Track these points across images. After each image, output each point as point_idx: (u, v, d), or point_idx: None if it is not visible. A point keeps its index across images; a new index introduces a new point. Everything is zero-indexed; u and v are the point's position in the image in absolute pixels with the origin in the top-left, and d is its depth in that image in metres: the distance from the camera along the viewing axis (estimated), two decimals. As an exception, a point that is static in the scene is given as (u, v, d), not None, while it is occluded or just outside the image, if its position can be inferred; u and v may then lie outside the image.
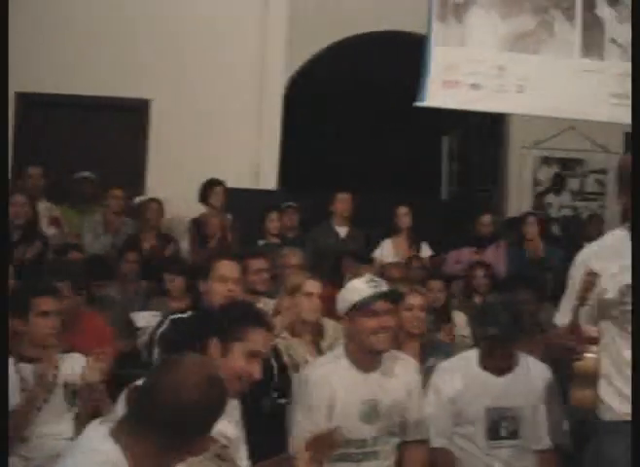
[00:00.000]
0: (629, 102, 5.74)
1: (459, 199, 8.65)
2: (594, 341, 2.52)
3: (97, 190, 6.23)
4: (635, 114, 2.93)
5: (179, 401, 1.64)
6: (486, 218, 6.21)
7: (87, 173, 6.24)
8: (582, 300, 2.48)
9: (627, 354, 2.53)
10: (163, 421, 1.65)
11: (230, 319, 2.39)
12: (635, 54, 2.29)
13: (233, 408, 2.34)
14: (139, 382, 1.79)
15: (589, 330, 2.51)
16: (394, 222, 6.25)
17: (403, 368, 2.98)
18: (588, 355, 2.48)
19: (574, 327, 2.51)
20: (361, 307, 2.82)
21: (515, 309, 3.27)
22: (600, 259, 2.60)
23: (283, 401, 3.05)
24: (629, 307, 2.53)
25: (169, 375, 1.70)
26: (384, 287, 2.90)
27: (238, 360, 2.28)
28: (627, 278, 2.53)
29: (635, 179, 2.34)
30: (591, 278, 2.46)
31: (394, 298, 2.93)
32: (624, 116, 5.79)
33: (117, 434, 1.69)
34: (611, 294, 2.55)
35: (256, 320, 2.40)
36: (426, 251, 6.23)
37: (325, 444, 2.28)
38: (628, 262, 2.53)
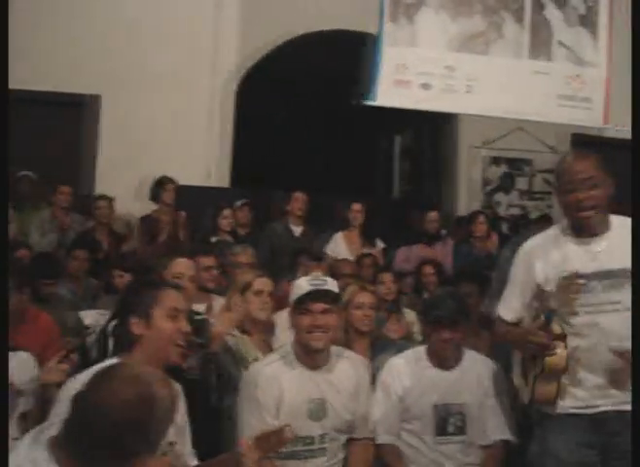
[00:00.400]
0: (575, 104, 5.90)
1: (410, 198, 8.72)
2: (563, 337, 2.59)
3: (40, 188, 6.11)
4: (635, 114, 3.00)
5: (108, 422, 1.56)
6: (433, 215, 6.27)
7: (26, 172, 6.12)
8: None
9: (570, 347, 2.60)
10: (93, 442, 1.58)
11: (134, 293, 2.40)
12: (635, 54, 2.35)
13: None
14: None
15: (556, 327, 2.59)
16: (347, 217, 6.28)
17: (351, 366, 3.00)
18: (558, 351, 2.56)
19: (541, 324, 2.59)
20: (298, 305, 2.85)
21: (460, 298, 3.30)
22: (540, 252, 2.68)
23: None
24: (571, 298, 2.61)
25: (98, 393, 1.62)
26: (327, 286, 2.90)
27: (163, 324, 2.28)
28: (567, 268, 2.62)
29: (635, 179, 2.39)
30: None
31: (332, 297, 2.90)
32: (571, 117, 5.95)
33: (53, 447, 1.64)
34: (551, 285, 2.64)
35: (158, 283, 2.50)
36: (379, 246, 6.28)
37: (273, 441, 2.28)
38: (566, 252, 2.64)
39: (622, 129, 5.96)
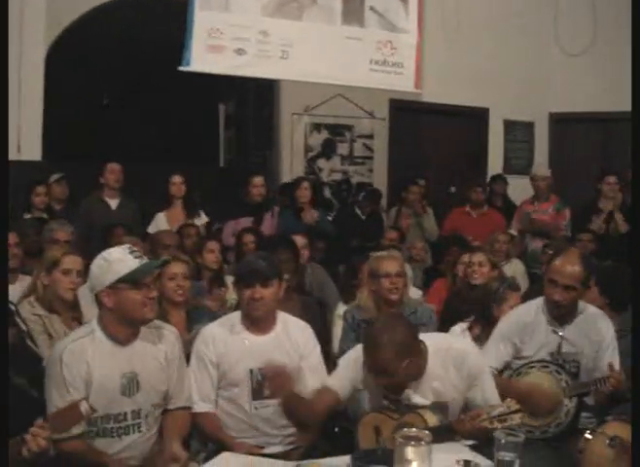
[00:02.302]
0: (388, 69, 6.05)
1: (236, 166, 8.69)
2: None
3: None
4: (635, 113, 3.06)
5: None
6: (258, 179, 6.19)
7: None
8: None
9: None
10: None
11: None
12: (635, 54, 2.38)
13: None
14: None
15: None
16: (168, 191, 6.15)
17: (163, 337, 2.93)
18: None
19: None
20: (128, 280, 2.73)
21: (271, 259, 3.27)
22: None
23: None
24: None
25: None
26: (145, 258, 2.83)
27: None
28: None
29: (635, 179, 2.43)
30: None
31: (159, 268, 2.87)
32: (384, 82, 6.10)
33: None
34: None
35: None
36: (203, 219, 6.20)
37: (68, 418, 2.18)
38: None
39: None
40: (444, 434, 2.58)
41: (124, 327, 2.80)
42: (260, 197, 6.15)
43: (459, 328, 3.87)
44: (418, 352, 2.77)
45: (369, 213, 6.88)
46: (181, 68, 5.28)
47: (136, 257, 2.78)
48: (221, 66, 5.45)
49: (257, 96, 8.38)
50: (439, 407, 2.79)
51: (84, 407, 2.14)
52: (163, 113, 8.64)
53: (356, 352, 2.94)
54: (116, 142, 7.75)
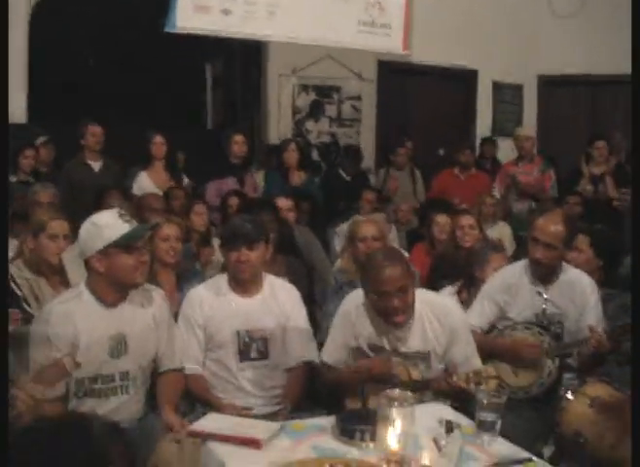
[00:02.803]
0: (375, 30, 5.99)
1: (224, 128, 8.62)
2: None
3: None
4: (635, 112, 3.05)
5: None
6: (239, 137, 6.12)
7: None
8: None
9: None
10: None
11: None
12: (635, 54, 2.35)
13: None
14: None
15: None
16: (149, 151, 6.09)
17: (151, 299, 2.95)
18: None
19: None
20: (120, 245, 2.72)
21: (257, 221, 3.30)
22: None
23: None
24: None
25: None
26: (134, 222, 2.83)
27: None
28: None
29: (635, 177, 2.42)
30: None
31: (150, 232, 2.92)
32: (371, 43, 6.04)
33: None
34: None
35: None
36: (185, 181, 6.16)
37: (52, 374, 2.20)
38: None
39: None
40: (421, 388, 2.65)
41: (113, 290, 2.81)
42: (241, 155, 6.08)
43: (447, 292, 3.91)
44: (411, 284, 2.86)
45: (353, 174, 6.87)
46: (166, 30, 5.21)
47: (126, 221, 2.77)
48: (207, 27, 5.37)
49: (244, 57, 8.30)
50: (421, 357, 2.87)
51: (68, 362, 2.15)
52: (150, 74, 8.56)
53: (339, 316, 3.04)
54: (102, 104, 7.68)
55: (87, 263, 2.78)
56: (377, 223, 4.24)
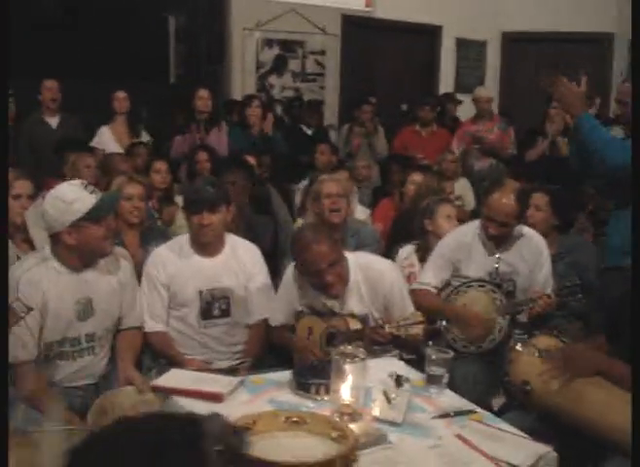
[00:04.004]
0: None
1: (186, 82, 8.54)
2: None
3: None
4: (635, 111, 3.09)
5: None
6: (203, 92, 6.09)
7: None
8: None
9: None
10: None
11: None
12: (635, 54, 2.39)
13: None
14: None
15: None
16: (111, 107, 6.06)
17: (116, 262, 3.00)
18: None
19: None
20: (91, 217, 2.76)
21: (219, 184, 3.37)
22: None
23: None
24: None
25: None
26: (98, 192, 2.85)
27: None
28: None
29: (635, 179, 2.47)
30: None
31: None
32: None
33: None
34: None
35: None
36: (144, 138, 6.15)
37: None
38: None
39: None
40: (359, 338, 2.80)
41: (80, 258, 2.86)
42: (206, 110, 6.06)
43: (406, 251, 4.01)
44: (341, 257, 2.97)
45: (315, 129, 6.90)
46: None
47: (91, 192, 2.79)
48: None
49: (208, 10, 8.18)
50: (359, 317, 3.00)
51: (18, 306, 2.20)
52: (111, 27, 8.40)
53: (283, 281, 3.20)
54: (64, 59, 7.53)
55: (54, 235, 2.79)
56: (341, 181, 4.30)
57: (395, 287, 3.11)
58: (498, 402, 3.12)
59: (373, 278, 3.06)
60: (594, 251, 4.00)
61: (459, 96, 7.83)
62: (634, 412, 2.00)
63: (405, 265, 3.85)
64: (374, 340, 2.91)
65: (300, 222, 4.36)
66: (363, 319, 3.01)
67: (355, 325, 2.93)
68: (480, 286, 3.44)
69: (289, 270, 3.18)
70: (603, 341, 2.67)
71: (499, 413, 2.77)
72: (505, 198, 3.36)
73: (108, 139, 5.84)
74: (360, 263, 3.07)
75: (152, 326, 3.17)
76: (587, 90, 3.53)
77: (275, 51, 7.59)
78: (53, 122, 5.96)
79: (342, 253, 3.00)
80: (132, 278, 3.11)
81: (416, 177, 4.94)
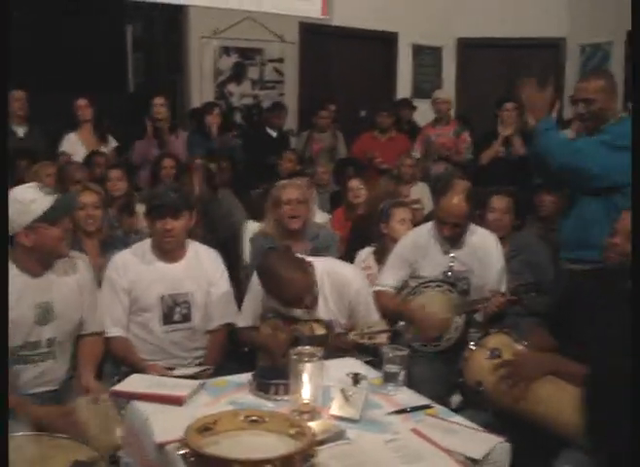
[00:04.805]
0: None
1: (145, 91, 8.54)
2: None
3: None
4: (635, 110, 3.17)
5: None
6: (158, 99, 6.15)
7: None
8: None
9: None
10: None
11: None
12: (635, 54, 2.44)
13: None
14: None
15: None
16: (75, 115, 6.08)
17: (75, 266, 3.02)
18: None
19: None
20: (48, 218, 2.78)
21: (181, 190, 3.43)
22: None
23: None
24: None
25: None
26: (54, 194, 2.87)
27: None
28: None
29: (635, 176, 2.52)
30: None
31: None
32: (293, 8, 6.12)
33: None
34: None
35: None
36: (112, 144, 6.18)
37: None
38: None
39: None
40: (323, 343, 2.85)
41: (38, 261, 2.87)
42: (162, 117, 6.11)
43: (365, 253, 4.09)
44: (314, 279, 3.04)
45: (279, 131, 6.96)
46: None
47: (48, 193, 2.83)
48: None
49: (165, 18, 8.20)
50: (324, 323, 3.07)
51: None
52: (69, 36, 8.36)
53: (251, 285, 3.27)
54: (23, 69, 7.49)
55: (11, 238, 2.80)
56: (301, 187, 4.29)
57: (361, 293, 3.18)
58: (456, 400, 3.19)
59: (340, 284, 3.12)
60: (546, 248, 4.11)
61: (416, 102, 7.93)
62: (634, 413, 2.05)
63: (362, 267, 3.93)
64: (338, 346, 2.97)
65: (254, 226, 4.37)
66: (328, 325, 3.08)
67: (320, 330, 3.00)
68: (436, 286, 3.52)
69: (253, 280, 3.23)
70: (546, 336, 2.76)
71: (456, 411, 2.84)
72: (455, 200, 3.44)
73: (75, 145, 5.86)
74: (326, 269, 3.13)
75: (113, 331, 3.18)
76: (552, 96, 3.67)
77: (233, 58, 7.61)
78: (20, 131, 5.99)
79: (313, 274, 3.05)
80: (92, 281, 3.13)
81: (355, 183, 5.04)
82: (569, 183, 3.61)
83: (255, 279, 3.20)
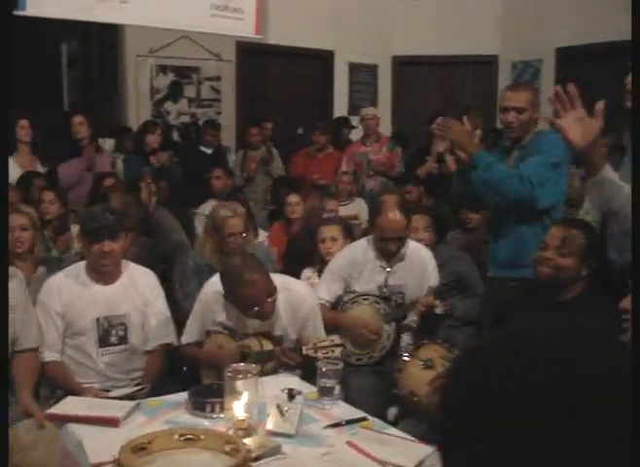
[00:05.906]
0: (228, 14, 6.11)
1: (80, 109, 8.44)
2: None
3: None
4: (635, 110, 3.17)
5: None
6: (77, 118, 6.08)
7: None
8: None
9: None
10: None
11: None
12: (635, 54, 2.44)
13: None
14: None
15: None
16: (15, 137, 5.97)
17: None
18: None
19: None
20: None
21: (117, 211, 3.42)
22: None
23: None
24: None
25: None
26: None
27: None
28: None
29: (635, 176, 2.56)
30: None
31: None
32: (225, 27, 6.15)
33: None
34: None
35: None
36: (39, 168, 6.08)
37: None
38: None
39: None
40: (271, 359, 2.94)
41: None
42: (82, 136, 6.01)
43: (309, 271, 4.16)
44: (274, 287, 3.07)
45: (214, 149, 6.96)
46: (16, 13, 5.12)
47: None
48: (59, 10, 5.33)
49: (100, 37, 8.13)
50: (276, 338, 3.11)
51: None
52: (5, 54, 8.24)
53: (198, 301, 3.27)
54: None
55: None
56: (240, 214, 4.21)
57: (313, 311, 3.23)
58: (393, 412, 3.25)
59: (294, 301, 3.17)
60: (469, 260, 4.23)
61: (353, 119, 8.04)
62: (634, 412, 2.11)
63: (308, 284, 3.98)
64: (284, 362, 3.00)
65: (201, 248, 4.34)
66: (279, 340, 3.11)
67: (268, 346, 3.03)
68: (364, 299, 3.59)
69: (206, 288, 3.24)
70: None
71: (394, 422, 2.91)
72: (391, 215, 3.51)
73: (15, 171, 5.72)
74: (282, 285, 3.15)
75: (47, 356, 3.15)
76: (472, 123, 3.71)
77: (170, 77, 7.61)
78: None
79: (272, 284, 3.08)
80: (25, 297, 3.08)
81: (293, 199, 5.11)
82: (513, 209, 3.50)
83: (202, 295, 3.23)
